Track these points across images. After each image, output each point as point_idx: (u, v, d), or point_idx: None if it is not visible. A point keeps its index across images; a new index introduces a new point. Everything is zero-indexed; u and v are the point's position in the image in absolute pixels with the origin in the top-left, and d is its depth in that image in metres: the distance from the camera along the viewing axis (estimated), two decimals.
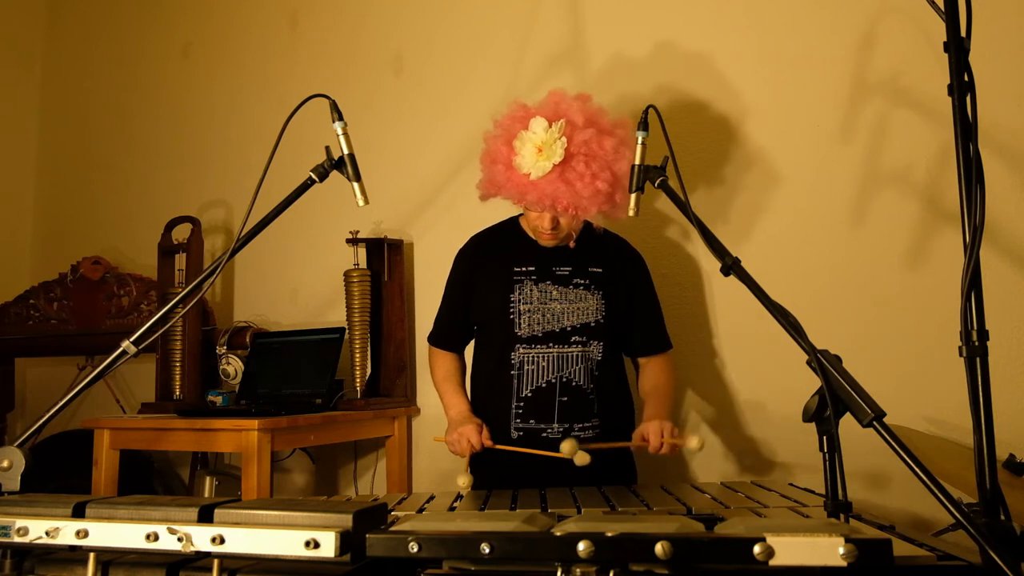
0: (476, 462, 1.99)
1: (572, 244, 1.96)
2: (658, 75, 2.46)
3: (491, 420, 1.94)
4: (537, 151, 1.75)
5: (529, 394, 1.92)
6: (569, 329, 1.93)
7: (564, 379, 1.92)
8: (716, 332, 2.35)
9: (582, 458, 1.75)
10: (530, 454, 1.86)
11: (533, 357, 1.93)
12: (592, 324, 1.94)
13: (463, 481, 1.70)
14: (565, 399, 1.91)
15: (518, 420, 1.92)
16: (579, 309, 1.94)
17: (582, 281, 1.96)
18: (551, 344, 1.93)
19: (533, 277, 1.96)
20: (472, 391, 2.08)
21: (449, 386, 2.08)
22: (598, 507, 1.44)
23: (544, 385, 1.92)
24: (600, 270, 1.98)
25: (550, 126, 1.75)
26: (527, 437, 1.91)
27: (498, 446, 1.88)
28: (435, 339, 2.14)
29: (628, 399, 2.05)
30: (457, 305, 2.07)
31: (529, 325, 1.93)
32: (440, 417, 2.66)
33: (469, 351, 2.14)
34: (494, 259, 2.01)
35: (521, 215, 2.06)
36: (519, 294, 1.95)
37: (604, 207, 1.80)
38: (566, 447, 1.75)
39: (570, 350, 1.93)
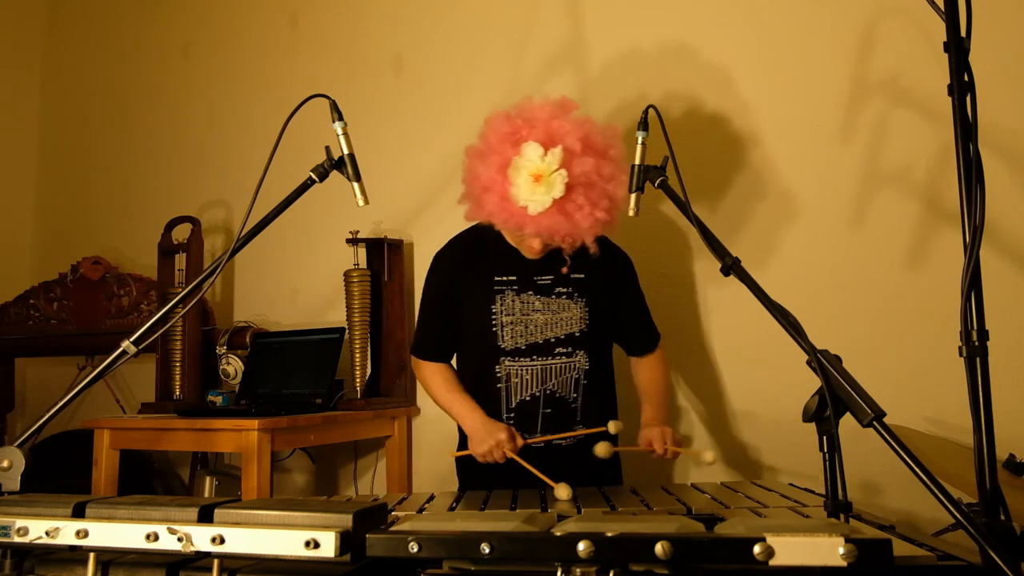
0: (467, 469, 1.98)
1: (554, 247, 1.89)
2: (657, 75, 2.46)
3: None
4: (533, 180, 1.63)
5: (516, 406, 1.90)
6: (553, 340, 1.89)
7: (548, 391, 1.89)
8: (716, 332, 2.35)
9: (606, 449, 1.82)
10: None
11: (518, 370, 1.89)
12: (576, 334, 1.90)
13: (564, 492, 1.58)
14: (548, 411, 1.89)
15: None
16: (562, 319, 1.90)
17: (564, 290, 1.91)
18: (535, 356, 1.89)
19: (515, 287, 1.90)
20: None
21: (455, 395, 1.96)
22: (598, 507, 1.44)
23: (528, 398, 1.89)
24: (582, 276, 1.92)
25: (546, 153, 1.64)
26: (536, 447, 1.88)
27: (529, 441, 1.87)
28: (423, 351, 2.04)
29: (612, 403, 2.01)
30: (442, 314, 1.98)
31: (512, 337, 1.89)
32: (441, 417, 2.67)
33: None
34: (474, 267, 1.93)
35: None
36: (501, 305, 1.89)
37: (600, 233, 1.75)
38: (601, 450, 1.81)
39: (554, 361, 1.89)
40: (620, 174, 1.69)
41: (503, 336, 1.89)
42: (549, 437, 1.89)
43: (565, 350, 1.90)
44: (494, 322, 1.89)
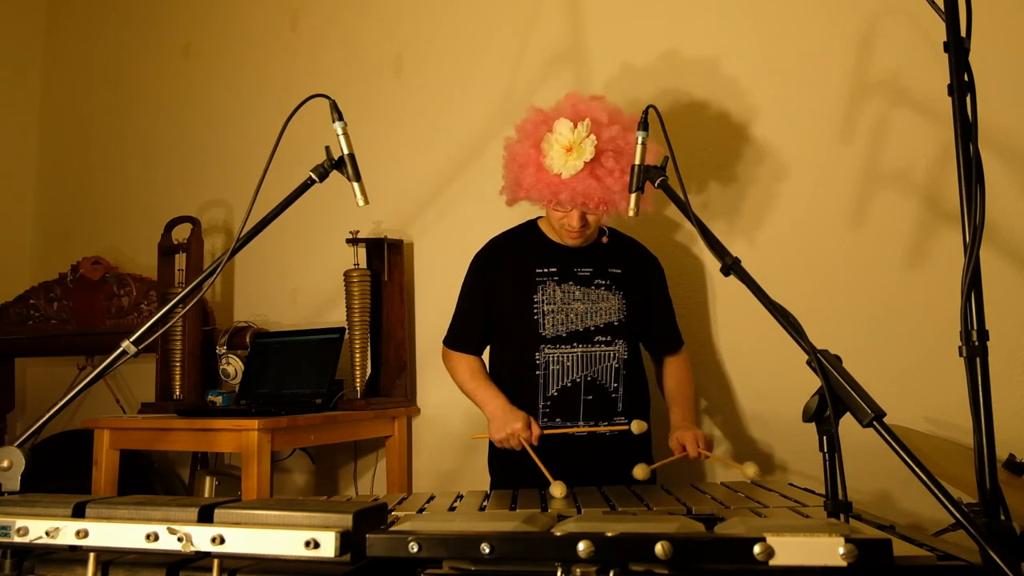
0: (499, 463, 2.01)
1: (605, 239, 2.02)
2: (658, 76, 2.46)
3: None
4: (566, 151, 1.79)
5: (555, 393, 1.94)
6: (592, 329, 1.96)
7: (589, 378, 1.95)
8: (717, 332, 2.35)
9: (644, 472, 1.84)
10: (569, 438, 1.90)
11: (558, 357, 1.95)
12: (615, 323, 1.97)
13: (559, 491, 1.63)
14: (590, 398, 1.94)
15: (544, 419, 1.93)
16: (601, 309, 1.97)
17: (603, 282, 1.99)
18: (575, 344, 1.95)
19: (556, 278, 1.98)
20: None
21: (481, 382, 2.03)
22: (598, 507, 1.44)
23: (569, 384, 1.94)
24: (619, 271, 2.02)
25: (575, 126, 1.78)
26: (553, 436, 1.92)
27: (547, 431, 1.89)
28: (454, 342, 2.10)
29: (647, 396, 2.07)
30: (478, 308, 2.06)
31: (553, 325, 1.95)
32: (440, 417, 2.67)
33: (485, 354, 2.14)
34: (515, 261, 2.03)
35: (539, 218, 2.08)
36: (542, 295, 1.97)
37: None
38: (639, 473, 1.82)
39: (594, 349, 1.95)
40: (650, 146, 1.77)
41: (544, 324, 1.95)
42: (569, 430, 1.91)
43: (605, 339, 1.96)
44: (536, 311, 1.96)
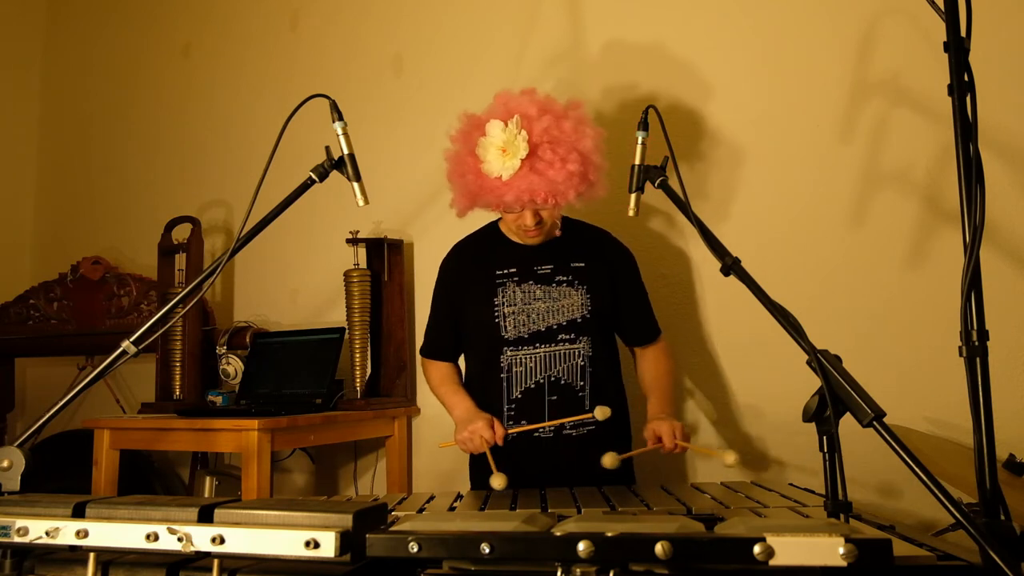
0: (477, 466, 2.00)
1: (558, 233, 1.96)
2: (658, 75, 2.46)
3: None
4: (501, 152, 1.76)
5: (519, 395, 1.93)
6: (555, 327, 1.93)
7: (552, 378, 1.92)
8: (716, 332, 2.35)
9: (612, 460, 1.78)
10: (538, 431, 1.90)
11: (521, 359, 1.93)
12: (578, 320, 1.94)
13: (498, 482, 1.69)
14: (554, 398, 1.92)
15: (510, 422, 1.92)
16: (563, 306, 1.94)
17: (564, 278, 1.96)
18: (538, 344, 1.93)
19: (515, 279, 1.96)
20: None
21: (448, 388, 2.05)
22: (598, 507, 1.44)
23: (533, 386, 1.93)
24: (582, 264, 1.97)
25: (506, 125, 1.76)
26: (519, 438, 1.91)
27: (511, 430, 1.89)
28: (427, 351, 2.13)
29: (621, 391, 2.05)
30: (446, 315, 2.07)
31: (515, 327, 1.93)
32: (440, 416, 2.67)
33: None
34: (476, 265, 2.01)
35: (500, 219, 2.06)
36: (503, 297, 1.95)
37: (580, 188, 1.81)
38: (607, 461, 1.77)
39: (557, 348, 1.93)
40: (586, 130, 1.81)
41: (505, 327, 1.94)
42: (531, 427, 1.90)
43: (568, 336, 1.93)
44: (496, 314, 1.94)
